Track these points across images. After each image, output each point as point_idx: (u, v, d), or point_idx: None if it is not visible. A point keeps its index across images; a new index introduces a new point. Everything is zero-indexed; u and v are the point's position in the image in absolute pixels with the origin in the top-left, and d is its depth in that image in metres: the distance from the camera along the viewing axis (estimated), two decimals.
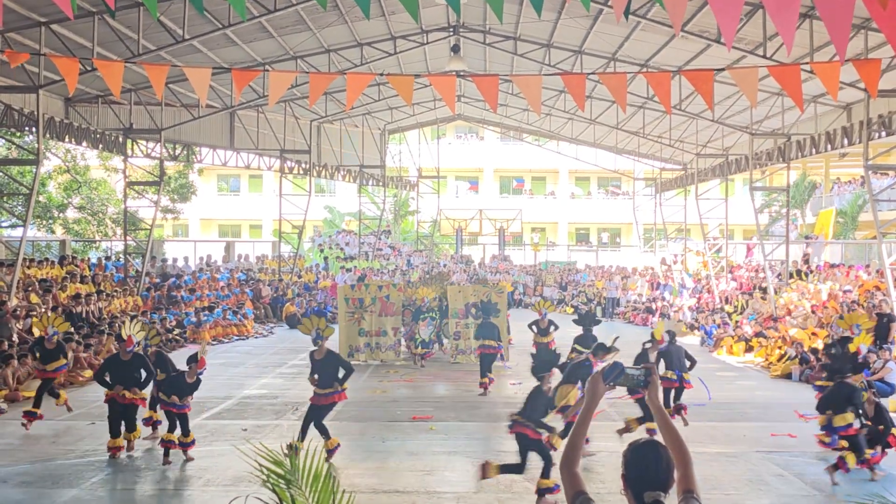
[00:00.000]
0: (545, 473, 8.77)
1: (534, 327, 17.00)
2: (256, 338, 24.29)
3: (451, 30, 23.08)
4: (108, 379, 10.70)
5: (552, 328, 16.81)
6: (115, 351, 11.60)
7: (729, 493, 9.39)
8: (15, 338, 16.50)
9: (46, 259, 24.75)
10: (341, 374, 10.76)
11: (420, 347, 19.12)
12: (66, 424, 12.50)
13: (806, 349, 18.17)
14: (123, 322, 13.90)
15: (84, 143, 24.71)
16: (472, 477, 10.06)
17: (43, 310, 18.68)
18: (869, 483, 9.92)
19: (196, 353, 10.92)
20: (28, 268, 21.19)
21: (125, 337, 10.85)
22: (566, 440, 3.55)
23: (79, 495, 9.15)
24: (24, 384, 14.79)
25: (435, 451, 11.29)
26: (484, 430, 12.40)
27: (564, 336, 16.70)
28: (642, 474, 3.26)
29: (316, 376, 10.65)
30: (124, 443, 10.62)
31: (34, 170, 19.34)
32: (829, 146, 22.46)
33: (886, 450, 10.56)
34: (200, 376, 10.85)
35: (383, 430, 12.41)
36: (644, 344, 12.66)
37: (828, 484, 9.96)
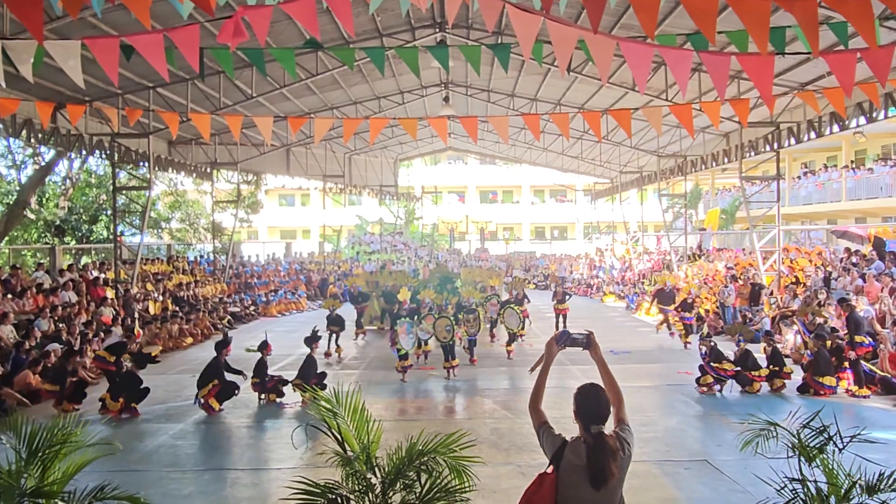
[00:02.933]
0: None
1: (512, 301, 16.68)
2: (308, 311, 24.21)
3: (443, 85, 22.98)
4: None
5: (526, 300, 16.70)
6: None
7: (649, 415, 9.39)
8: (136, 315, 16.44)
9: (157, 258, 24.62)
10: None
11: (400, 360, 11.98)
12: (175, 377, 12.44)
13: (700, 310, 18.15)
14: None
15: (182, 173, 24.62)
16: (465, 408, 10.06)
17: (155, 295, 18.62)
18: (750, 406, 9.94)
19: (264, 341, 10.74)
20: (144, 264, 21.08)
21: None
22: (533, 386, 3.51)
23: (184, 428, 9.13)
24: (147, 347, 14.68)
25: (438, 390, 11.28)
26: (471, 374, 12.37)
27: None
28: (588, 411, 3.23)
29: None
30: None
31: (147, 193, 19.25)
32: (714, 163, 22.47)
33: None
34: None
35: (400, 376, 12.35)
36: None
37: (718, 407, 9.98)
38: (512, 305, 14.48)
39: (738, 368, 10.74)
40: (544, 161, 35.92)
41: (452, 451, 4.14)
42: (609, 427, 3.27)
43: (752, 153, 19.38)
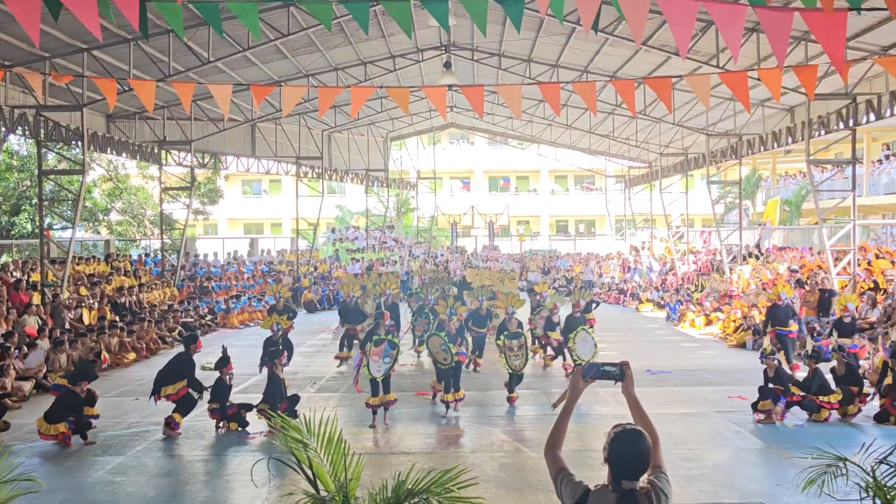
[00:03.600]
0: None
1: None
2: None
3: (443, 48, 23.00)
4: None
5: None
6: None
7: (693, 449, 9.39)
8: (67, 325, 16.49)
9: (94, 257, 24.69)
10: None
11: (372, 395, 10.56)
12: (114, 400, 12.45)
13: (757, 322, 18.18)
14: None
15: (124, 154, 24.63)
16: (469, 439, 10.08)
17: (90, 301, 18.66)
18: (816, 437, 9.93)
19: (224, 357, 10.72)
20: (77, 265, 21.15)
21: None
22: (552, 426, 3.51)
23: (125, 462, 9.14)
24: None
25: (434, 417, 11.27)
26: (477, 399, 12.36)
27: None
28: (623, 463, 3.19)
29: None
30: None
31: (81, 179, 19.27)
32: (775, 144, 22.48)
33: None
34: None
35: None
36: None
37: (778, 438, 9.98)
38: (585, 328, 12.77)
39: (804, 393, 10.75)
40: (567, 141, 35.99)
41: (449, 490, 4.15)
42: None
43: (823, 132, 19.39)
